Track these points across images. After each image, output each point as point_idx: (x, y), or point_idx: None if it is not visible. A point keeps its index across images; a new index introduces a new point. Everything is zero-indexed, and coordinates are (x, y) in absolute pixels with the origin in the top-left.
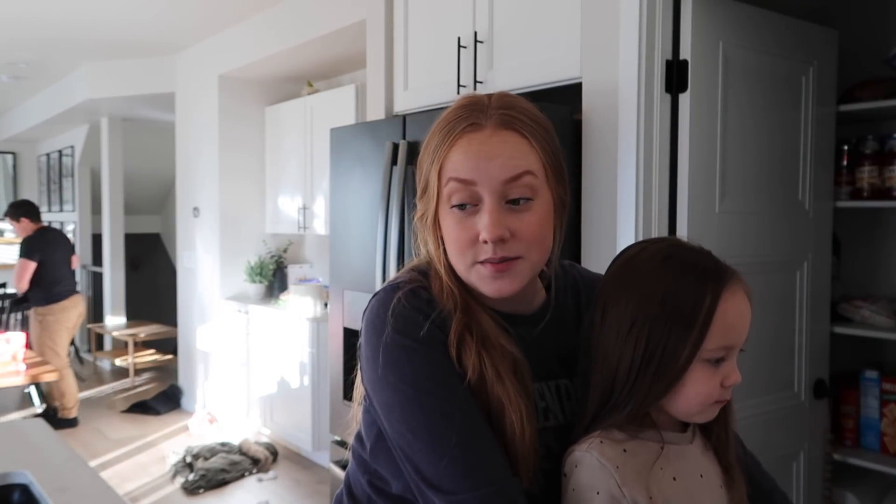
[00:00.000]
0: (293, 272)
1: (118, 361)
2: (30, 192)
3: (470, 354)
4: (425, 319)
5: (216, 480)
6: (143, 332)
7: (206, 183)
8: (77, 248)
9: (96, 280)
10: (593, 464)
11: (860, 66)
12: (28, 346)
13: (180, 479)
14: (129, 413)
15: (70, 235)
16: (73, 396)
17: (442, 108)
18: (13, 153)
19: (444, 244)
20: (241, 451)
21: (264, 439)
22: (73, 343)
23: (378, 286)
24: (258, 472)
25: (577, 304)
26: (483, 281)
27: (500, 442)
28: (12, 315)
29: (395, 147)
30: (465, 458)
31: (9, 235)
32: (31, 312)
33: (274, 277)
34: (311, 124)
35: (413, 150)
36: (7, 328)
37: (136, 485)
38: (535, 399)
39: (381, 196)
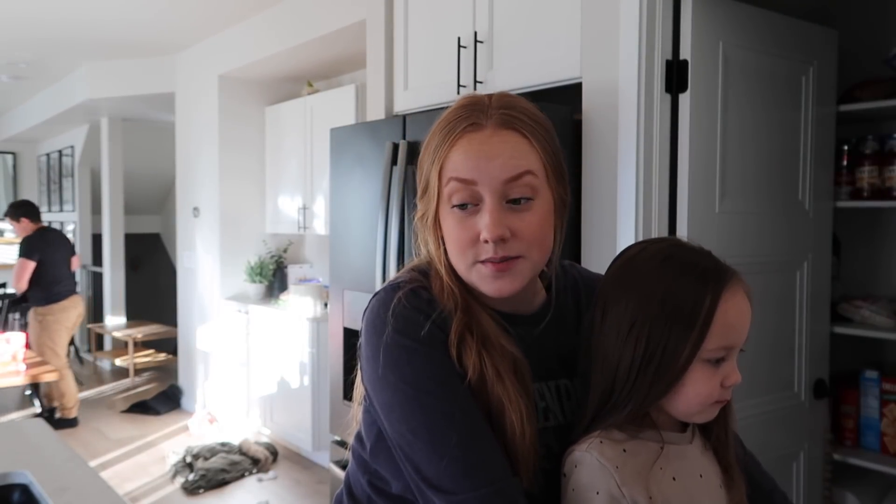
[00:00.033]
0: (293, 272)
1: (118, 361)
2: (30, 192)
3: (470, 354)
4: (426, 319)
5: (216, 480)
6: (143, 332)
7: (206, 183)
8: (77, 248)
9: (96, 280)
10: (593, 464)
11: (860, 66)
12: (27, 346)
13: (180, 479)
14: (129, 413)
15: (70, 235)
16: (72, 396)
17: (442, 108)
18: (13, 153)
19: (444, 244)
20: (241, 451)
21: (264, 439)
22: (72, 343)
23: (378, 286)
24: (258, 472)
25: (577, 304)
26: (484, 280)
27: (501, 442)
28: (12, 315)
29: (395, 147)
30: (465, 458)
31: (9, 235)
32: (31, 312)
33: (274, 277)
34: (311, 124)
35: (413, 150)
36: (6, 328)
37: (136, 485)
38: (536, 399)
39: (381, 196)
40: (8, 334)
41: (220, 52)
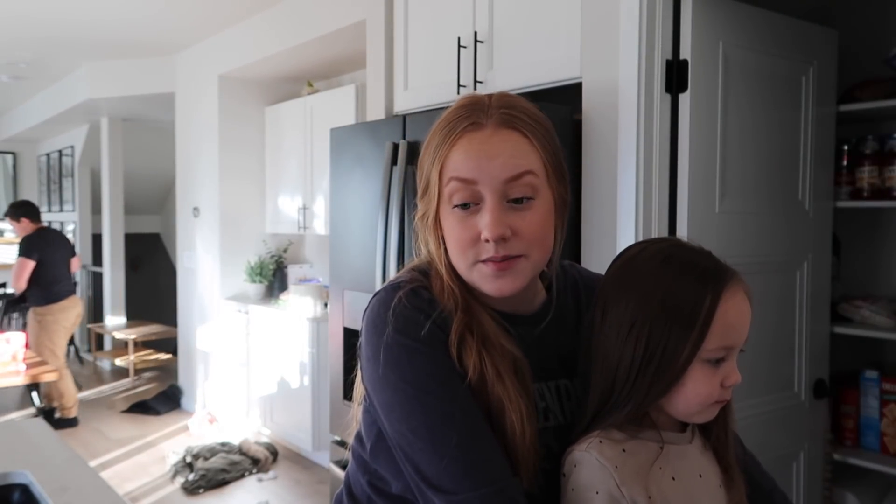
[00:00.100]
0: (293, 272)
1: (118, 361)
2: (30, 192)
3: (470, 354)
4: (426, 319)
5: (216, 480)
6: (143, 332)
7: (206, 183)
8: (77, 248)
9: (96, 280)
10: (592, 464)
11: (860, 66)
12: (27, 345)
13: (180, 479)
14: (129, 413)
15: (70, 235)
16: (71, 396)
17: (442, 108)
18: (13, 153)
19: (445, 244)
20: (241, 451)
21: (264, 439)
22: (72, 343)
23: (378, 286)
24: (258, 472)
25: (577, 304)
26: (485, 280)
27: (501, 442)
28: (10, 315)
29: (395, 147)
30: (465, 458)
31: (9, 235)
32: (30, 312)
33: (274, 277)
34: (311, 124)
35: (413, 150)
36: (5, 328)
37: (136, 485)
38: (536, 399)
39: (381, 196)
40: (8, 334)
41: (220, 52)
